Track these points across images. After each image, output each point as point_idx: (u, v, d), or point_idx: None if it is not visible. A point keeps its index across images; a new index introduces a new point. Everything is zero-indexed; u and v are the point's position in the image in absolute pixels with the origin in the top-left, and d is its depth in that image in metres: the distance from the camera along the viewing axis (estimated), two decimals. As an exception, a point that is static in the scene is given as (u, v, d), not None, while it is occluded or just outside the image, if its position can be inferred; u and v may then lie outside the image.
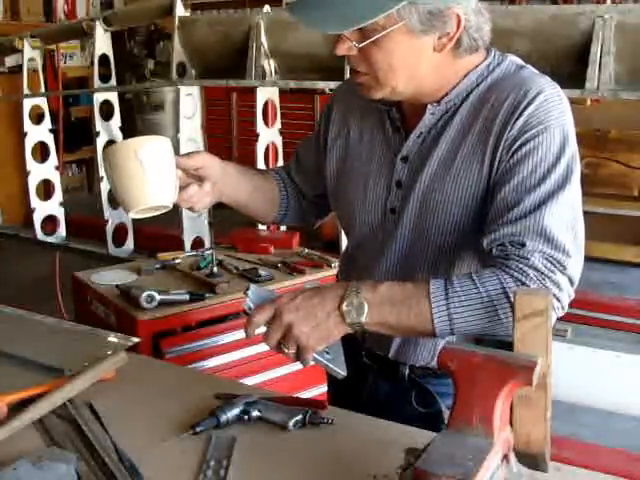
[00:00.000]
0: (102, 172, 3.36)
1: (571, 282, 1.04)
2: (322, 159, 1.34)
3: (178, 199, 1.16)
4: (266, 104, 2.97)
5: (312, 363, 1.03)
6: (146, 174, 1.09)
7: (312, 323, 1.01)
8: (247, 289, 1.09)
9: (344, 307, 1.01)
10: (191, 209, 1.22)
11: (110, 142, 3.42)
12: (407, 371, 1.24)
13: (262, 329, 1.05)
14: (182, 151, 3.04)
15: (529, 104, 1.07)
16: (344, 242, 1.41)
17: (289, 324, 1.01)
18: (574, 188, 1.07)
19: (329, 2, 1.04)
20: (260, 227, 2.75)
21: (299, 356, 1.03)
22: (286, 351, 1.02)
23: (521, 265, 1.01)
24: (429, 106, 1.15)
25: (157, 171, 1.10)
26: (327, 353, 1.05)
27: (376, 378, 1.30)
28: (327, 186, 1.34)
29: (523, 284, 1.00)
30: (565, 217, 1.05)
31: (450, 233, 1.15)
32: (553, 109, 1.08)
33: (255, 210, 1.39)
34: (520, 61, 1.17)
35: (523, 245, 1.03)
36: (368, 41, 1.05)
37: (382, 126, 1.23)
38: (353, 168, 1.27)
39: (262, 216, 1.43)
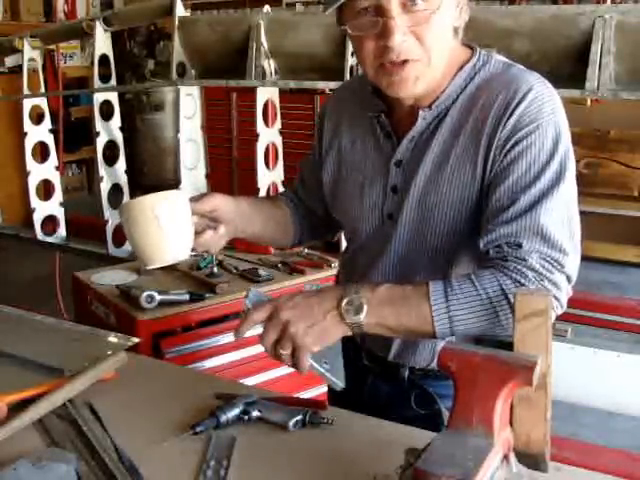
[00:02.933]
0: (102, 172, 3.37)
1: (569, 280, 1.04)
2: (320, 172, 1.34)
3: (194, 244, 1.15)
4: (266, 104, 2.97)
5: (307, 370, 1.02)
6: (164, 232, 1.09)
7: (309, 322, 1.00)
8: (247, 292, 1.09)
9: (343, 306, 1.00)
10: (206, 251, 1.23)
11: (110, 143, 3.43)
12: (407, 373, 1.24)
13: (256, 331, 1.04)
14: (182, 151, 3.05)
15: (520, 102, 1.07)
16: (344, 242, 1.41)
17: (285, 322, 1.00)
18: (568, 185, 1.07)
19: None
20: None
21: (295, 359, 1.01)
22: (282, 352, 1.01)
23: (519, 267, 1.01)
24: (421, 112, 1.14)
25: (175, 227, 1.10)
26: (325, 363, 1.04)
27: (376, 380, 1.30)
28: (325, 196, 1.34)
29: (522, 285, 1.00)
30: (561, 214, 1.05)
31: (447, 234, 1.14)
32: (544, 106, 1.07)
33: (271, 239, 1.41)
34: (506, 59, 1.17)
35: (520, 246, 1.03)
36: (432, 15, 1.03)
37: (373, 133, 1.23)
38: (347, 177, 1.27)
39: (278, 243, 1.45)
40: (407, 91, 1.10)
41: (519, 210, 1.05)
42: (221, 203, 1.20)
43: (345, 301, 1.01)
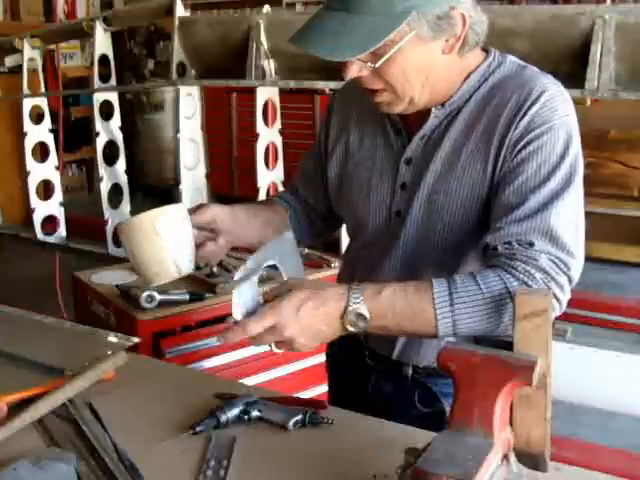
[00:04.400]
0: (101, 172, 3.37)
1: (570, 282, 1.04)
2: (325, 168, 1.34)
3: (195, 257, 1.15)
4: (266, 104, 2.97)
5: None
6: (167, 247, 1.08)
7: (313, 336, 1.01)
8: (239, 284, 1.05)
9: (347, 319, 1.00)
10: (207, 263, 1.22)
11: (110, 143, 3.43)
12: (410, 371, 1.24)
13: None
14: (182, 151, 3.05)
15: (533, 104, 1.07)
16: (344, 242, 1.41)
17: (290, 339, 1.00)
18: (577, 188, 1.07)
19: (335, 29, 1.01)
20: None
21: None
22: (274, 348, 1.02)
23: (528, 267, 1.01)
24: (433, 109, 1.14)
25: (177, 241, 1.09)
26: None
27: (379, 378, 1.30)
28: (329, 192, 1.34)
29: (529, 286, 1.00)
30: (569, 217, 1.05)
31: (455, 233, 1.14)
32: (557, 108, 1.08)
33: None
34: (521, 61, 1.17)
35: (531, 245, 1.03)
36: (382, 60, 1.03)
37: (383, 130, 1.23)
38: (355, 173, 1.26)
39: None
40: (385, 111, 1.15)
41: (529, 210, 1.05)
42: (218, 213, 1.19)
43: (348, 311, 1.00)
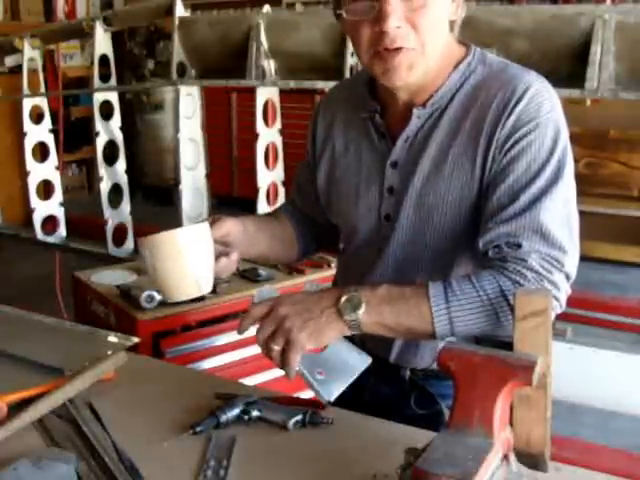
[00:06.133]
0: (101, 171, 3.37)
1: (568, 279, 1.04)
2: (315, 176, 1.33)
3: None
4: (266, 104, 2.97)
5: (294, 373, 1.01)
6: (189, 268, 1.08)
7: (305, 317, 1.00)
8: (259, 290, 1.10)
9: (341, 303, 1.00)
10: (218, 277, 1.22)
11: (110, 143, 3.43)
12: (408, 374, 1.24)
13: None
14: (182, 151, 3.05)
15: (519, 101, 1.07)
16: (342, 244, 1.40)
17: (282, 317, 1.01)
18: (567, 182, 1.07)
19: None
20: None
21: (284, 357, 1.00)
22: (274, 348, 1.00)
23: (519, 267, 1.01)
24: (414, 110, 1.14)
25: (200, 261, 1.09)
26: (319, 374, 1.03)
27: (376, 381, 1.29)
28: (320, 199, 1.33)
29: (521, 286, 1.00)
30: (560, 212, 1.05)
31: (445, 235, 1.14)
32: (543, 104, 1.07)
33: (275, 257, 1.40)
34: (502, 59, 1.17)
35: (519, 246, 1.03)
36: (428, 3, 1.04)
37: (367, 134, 1.22)
38: (342, 180, 1.26)
39: (284, 260, 1.45)
40: (401, 79, 1.09)
41: (518, 208, 1.05)
42: (232, 227, 1.19)
43: (343, 298, 1.01)
